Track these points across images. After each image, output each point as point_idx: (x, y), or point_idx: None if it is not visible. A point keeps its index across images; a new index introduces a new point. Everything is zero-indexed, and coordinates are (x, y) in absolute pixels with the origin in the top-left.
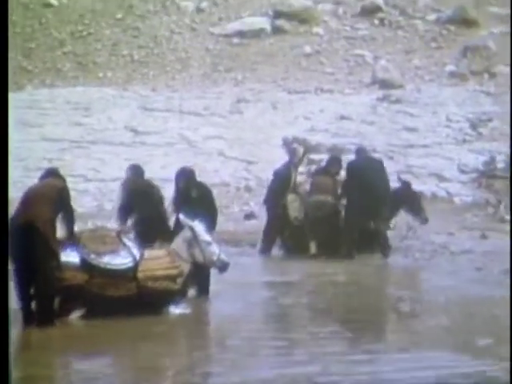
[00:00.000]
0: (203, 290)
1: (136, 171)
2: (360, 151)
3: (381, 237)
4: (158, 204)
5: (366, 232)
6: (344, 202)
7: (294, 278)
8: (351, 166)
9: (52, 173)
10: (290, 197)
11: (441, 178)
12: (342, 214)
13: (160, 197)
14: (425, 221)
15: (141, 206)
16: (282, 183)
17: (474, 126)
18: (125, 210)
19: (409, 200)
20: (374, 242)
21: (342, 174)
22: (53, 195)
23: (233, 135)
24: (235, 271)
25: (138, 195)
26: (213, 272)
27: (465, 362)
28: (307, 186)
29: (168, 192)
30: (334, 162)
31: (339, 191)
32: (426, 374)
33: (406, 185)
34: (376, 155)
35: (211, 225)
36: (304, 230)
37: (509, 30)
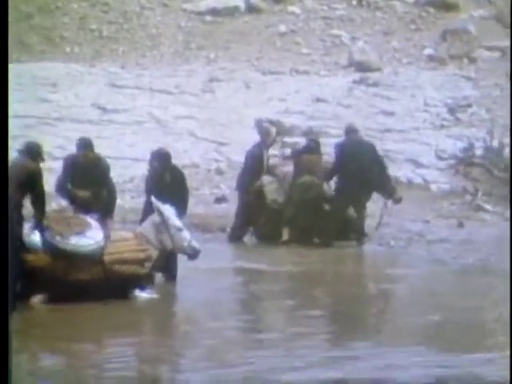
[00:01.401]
0: (171, 275)
1: (82, 145)
2: (350, 131)
3: (357, 223)
4: (102, 178)
5: (342, 218)
6: (331, 184)
7: (267, 266)
8: (342, 147)
9: (28, 152)
10: (266, 179)
11: (417, 164)
12: (328, 198)
13: (103, 171)
14: (399, 200)
15: (82, 181)
16: (254, 164)
17: (452, 111)
18: (62, 185)
19: (381, 182)
20: (348, 228)
21: (327, 156)
22: (21, 177)
23: (204, 115)
24: (204, 257)
25: (78, 169)
26: (181, 258)
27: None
28: (284, 169)
29: (135, 171)
30: (316, 143)
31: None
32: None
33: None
34: None
35: (182, 210)
36: (281, 215)
37: (488, 13)
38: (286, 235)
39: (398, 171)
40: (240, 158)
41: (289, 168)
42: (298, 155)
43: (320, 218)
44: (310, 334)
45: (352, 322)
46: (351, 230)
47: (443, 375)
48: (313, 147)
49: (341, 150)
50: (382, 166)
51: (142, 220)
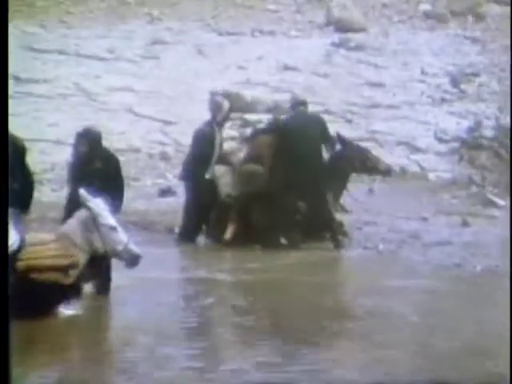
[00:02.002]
0: (102, 286)
1: None
2: (296, 106)
3: (330, 221)
4: (14, 164)
5: (312, 215)
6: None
7: (223, 275)
8: (282, 127)
9: None
10: (219, 168)
11: (412, 148)
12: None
13: (16, 155)
14: (387, 171)
15: None
16: (202, 148)
17: (455, 82)
18: None
19: (357, 162)
20: (323, 228)
21: None
22: None
23: (145, 87)
24: (145, 263)
25: None
26: (117, 265)
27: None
28: (242, 154)
29: (57, 157)
30: (277, 123)
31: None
32: None
33: (348, 145)
34: (330, 117)
35: (117, 205)
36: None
37: None
38: (228, 233)
39: (388, 156)
40: (189, 140)
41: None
42: (255, 137)
43: (267, 216)
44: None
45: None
46: (327, 230)
47: None
48: (275, 127)
49: (281, 130)
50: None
51: (66, 217)
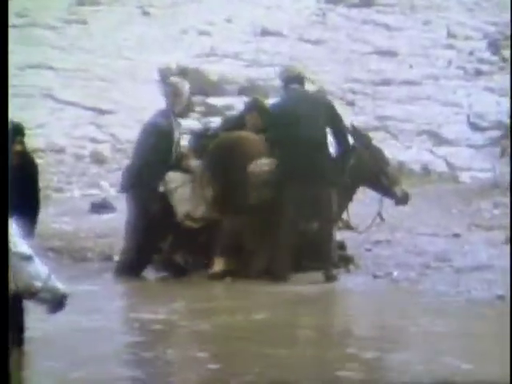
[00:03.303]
0: (15, 336)
1: None
2: (289, 82)
3: (323, 244)
4: None
5: (306, 236)
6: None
7: (176, 317)
8: (274, 112)
9: None
10: (174, 176)
11: (437, 140)
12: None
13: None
14: (403, 199)
15: None
16: (156, 149)
17: (495, 47)
18: None
19: (371, 174)
20: (317, 252)
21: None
22: None
23: (69, 63)
24: (73, 306)
25: None
26: (36, 309)
27: None
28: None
29: None
30: (259, 108)
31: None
32: None
33: (362, 141)
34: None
35: (31, 226)
36: (203, 235)
37: None
38: (219, 264)
39: (404, 151)
40: (133, 135)
41: None
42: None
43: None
44: None
45: None
46: (314, 255)
47: None
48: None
49: (272, 116)
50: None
51: None
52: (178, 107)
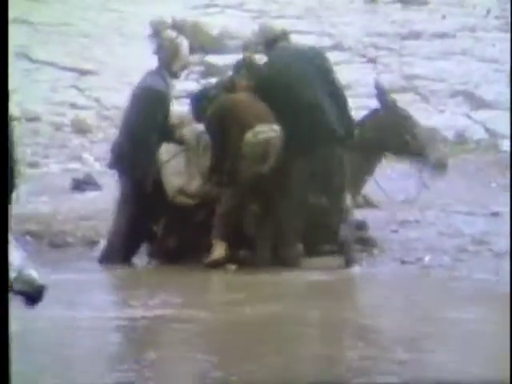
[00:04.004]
0: None
1: None
2: (273, 41)
3: (333, 220)
4: None
5: (314, 212)
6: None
7: (173, 311)
8: (263, 73)
9: None
10: (165, 148)
11: (475, 102)
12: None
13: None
14: (440, 168)
15: None
16: (150, 116)
17: None
18: None
19: (395, 134)
20: (327, 231)
21: None
22: None
23: (44, 13)
24: (52, 298)
25: None
26: (12, 301)
27: None
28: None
29: None
30: (250, 67)
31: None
32: None
33: (385, 101)
34: (342, 56)
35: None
36: (199, 214)
37: None
38: (219, 250)
39: (435, 117)
40: (121, 100)
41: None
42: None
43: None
44: None
45: None
46: (324, 235)
47: None
48: (248, 74)
49: (264, 76)
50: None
51: None
52: (175, 67)
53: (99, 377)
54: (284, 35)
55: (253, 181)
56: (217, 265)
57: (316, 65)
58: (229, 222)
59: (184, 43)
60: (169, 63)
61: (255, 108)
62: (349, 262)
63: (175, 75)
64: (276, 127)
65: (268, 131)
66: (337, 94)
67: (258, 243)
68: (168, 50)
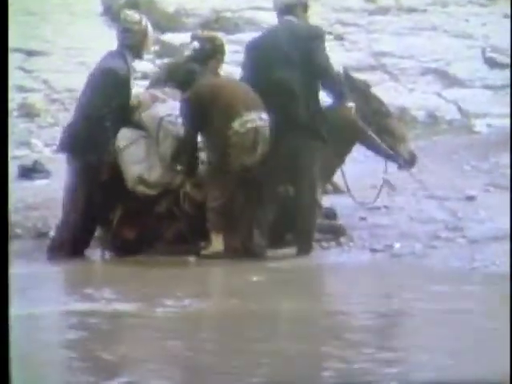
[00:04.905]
0: None
1: None
2: (283, 9)
3: (301, 211)
4: None
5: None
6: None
7: (128, 305)
8: (253, 48)
9: None
10: (123, 133)
11: (447, 80)
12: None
13: None
14: (410, 162)
15: None
16: (112, 100)
17: None
18: None
19: (367, 124)
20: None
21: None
22: None
23: None
24: None
25: None
26: None
27: None
28: (168, 104)
29: None
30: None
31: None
32: None
33: (357, 88)
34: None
35: None
36: (160, 204)
37: None
38: (216, 241)
39: (405, 96)
40: (71, 82)
41: (174, 103)
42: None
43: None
44: None
45: None
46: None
47: None
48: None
49: (246, 56)
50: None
51: None
52: (143, 50)
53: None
54: (301, 5)
55: (240, 172)
56: (216, 257)
57: (305, 46)
58: (222, 214)
59: (149, 25)
60: (137, 46)
61: (242, 94)
62: (302, 250)
63: (140, 57)
64: (264, 115)
65: (256, 120)
66: (315, 78)
67: (253, 232)
68: (137, 34)
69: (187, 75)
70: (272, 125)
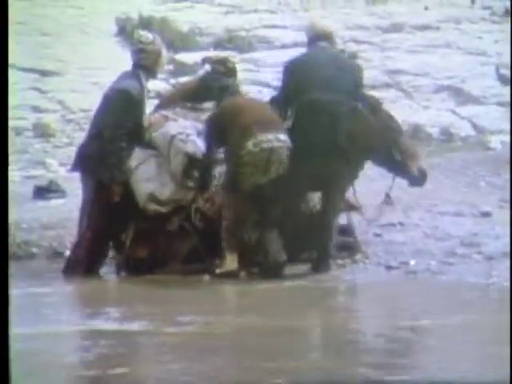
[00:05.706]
0: None
1: None
2: (317, 37)
3: (322, 229)
4: None
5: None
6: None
7: (142, 327)
8: (291, 72)
9: None
10: (135, 154)
11: (461, 97)
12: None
13: None
14: (420, 179)
15: None
16: (126, 120)
17: None
18: None
19: (378, 140)
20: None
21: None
22: None
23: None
24: (12, 315)
25: None
26: None
27: None
28: (181, 123)
29: None
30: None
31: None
32: None
33: (369, 104)
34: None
35: None
36: (172, 221)
37: None
38: (232, 262)
39: (419, 113)
40: (86, 102)
41: (185, 122)
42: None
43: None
44: None
45: None
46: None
47: None
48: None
49: (288, 76)
50: (375, 108)
51: None
52: (157, 70)
53: None
54: (329, 35)
55: (252, 190)
56: (231, 275)
57: (347, 71)
58: (235, 233)
59: (162, 45)
60: (151, 66)
61: (258, 114)
62: (319, 268)
63: (154, 76)
64: (283, 137)
65: (273, 140)
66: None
67: (268, 250)
68: (150, 55)
69: (221, 91)
70: (306, 144)
